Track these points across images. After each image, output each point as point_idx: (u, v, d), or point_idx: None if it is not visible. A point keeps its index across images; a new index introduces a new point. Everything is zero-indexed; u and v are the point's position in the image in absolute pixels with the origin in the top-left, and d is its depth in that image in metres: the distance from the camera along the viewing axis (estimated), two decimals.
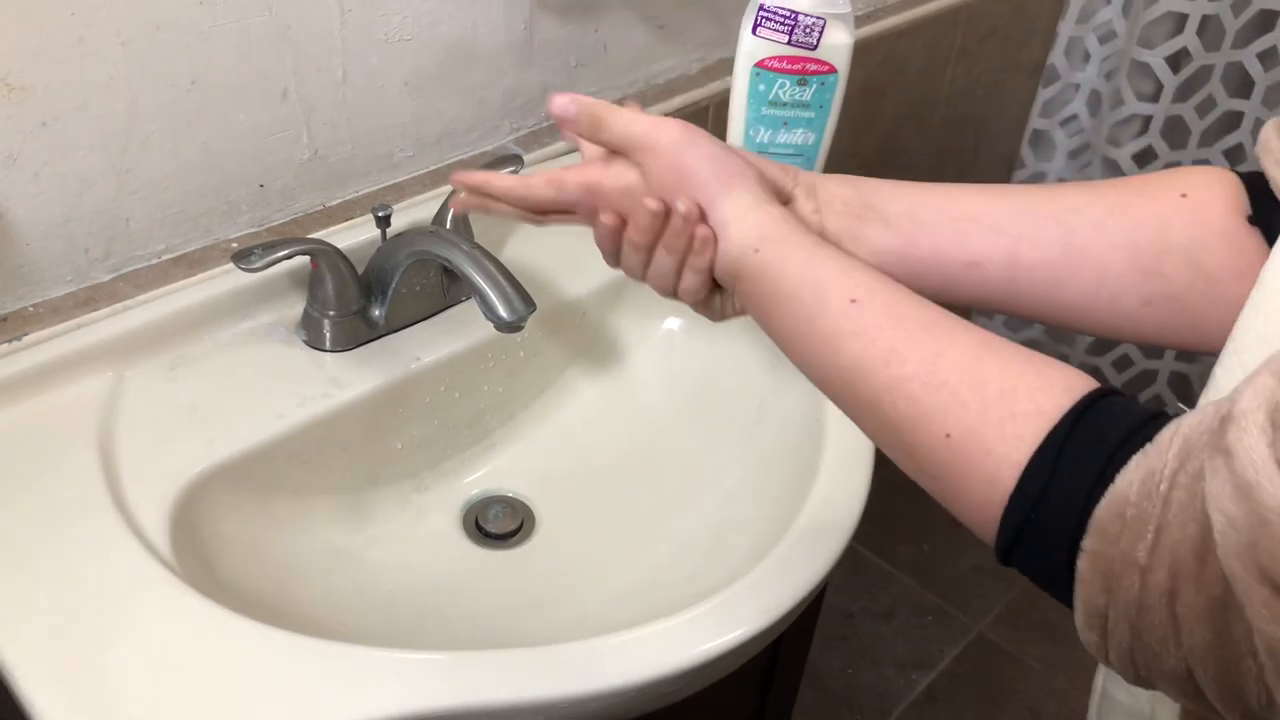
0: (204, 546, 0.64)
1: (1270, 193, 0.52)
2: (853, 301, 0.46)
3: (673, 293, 0.54)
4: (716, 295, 0.54)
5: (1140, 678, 0.37)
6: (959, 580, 1.66)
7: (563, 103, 0.54)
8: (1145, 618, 0.35)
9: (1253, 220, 0.53)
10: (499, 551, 0.76)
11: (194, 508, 0.64)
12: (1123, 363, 1.67)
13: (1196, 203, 0.53)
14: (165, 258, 0.76)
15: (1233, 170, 0.55)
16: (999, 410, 0.40)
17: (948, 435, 0.41)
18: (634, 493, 0.80)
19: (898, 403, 0.43)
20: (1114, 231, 0.53)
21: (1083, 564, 0.36)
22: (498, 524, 0.77)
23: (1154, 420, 0.38)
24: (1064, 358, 1.69)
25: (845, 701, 1.52)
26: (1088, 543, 0.36)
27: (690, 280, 0.52)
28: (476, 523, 0.78)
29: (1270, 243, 0.52)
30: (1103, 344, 1.66)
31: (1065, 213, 0.54)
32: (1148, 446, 0.36)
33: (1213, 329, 0.53)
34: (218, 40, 0.71)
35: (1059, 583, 0.38)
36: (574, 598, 0.73)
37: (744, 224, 0.50)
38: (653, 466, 0.81)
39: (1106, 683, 0.58)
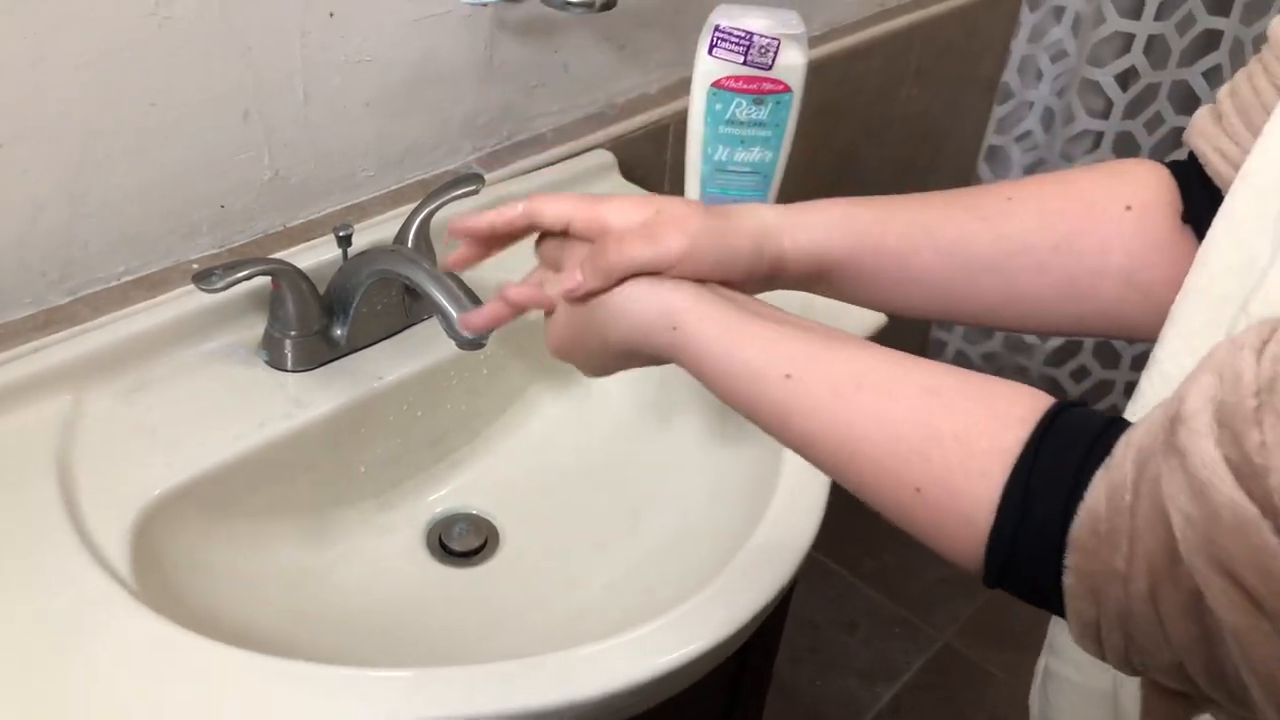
0: (165, 568, 0.64)
1: (1198, 183, 0.54)
2: (788, 377, 0.46)
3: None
4: None
5: (1137, 671, 0.39)
6: (923, 591, 1.68)
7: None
8: (1134, 623, 0.36)
9: (1184, 218, 0.54)
10: (463, 569, 0.77)
11: (154, 530, 0.64)
12: (1080, 373, 1.70)
13: (1140, 214, 0.55)
14: (125, 279, 0.76)
15: (1164, 163, 0.57)
16: (959, 454, 0.41)
17: (917, 490, 0.42)
18: (597, 507, 0.80)
19: (859, 467, 0.44)
20: (1056, 270, 0.55)
21: (1069, 580, 0.38)
22: (462, 541, 0.78)
23: (1111, 427, 0.39)
24: (1022, 369, 1.72)
25: (812, 713, 1.53)
26: (1070, 560, 0.37)
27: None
28: (440, 540, 0.78)
29: (1200, 237, 0.54)
30: (1060, 355, 1.69)
31: (1010, 256, 0.55)
32: (1107, 461, 0.37)
33: (1144, 328, 0.55)
34: (178, 62, 0.71)
35: (1051, 600, 0.39)
36: (538, 612, 0.73)
37: (648, 300, 0.51)
38: (615, 481, 0.82)
39: (1054, 664, 0.60)
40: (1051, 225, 0.56)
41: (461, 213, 0.58)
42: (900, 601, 1.68)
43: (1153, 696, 0.48)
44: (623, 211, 0.54)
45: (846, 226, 0.56)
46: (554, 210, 0.55)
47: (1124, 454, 0.36)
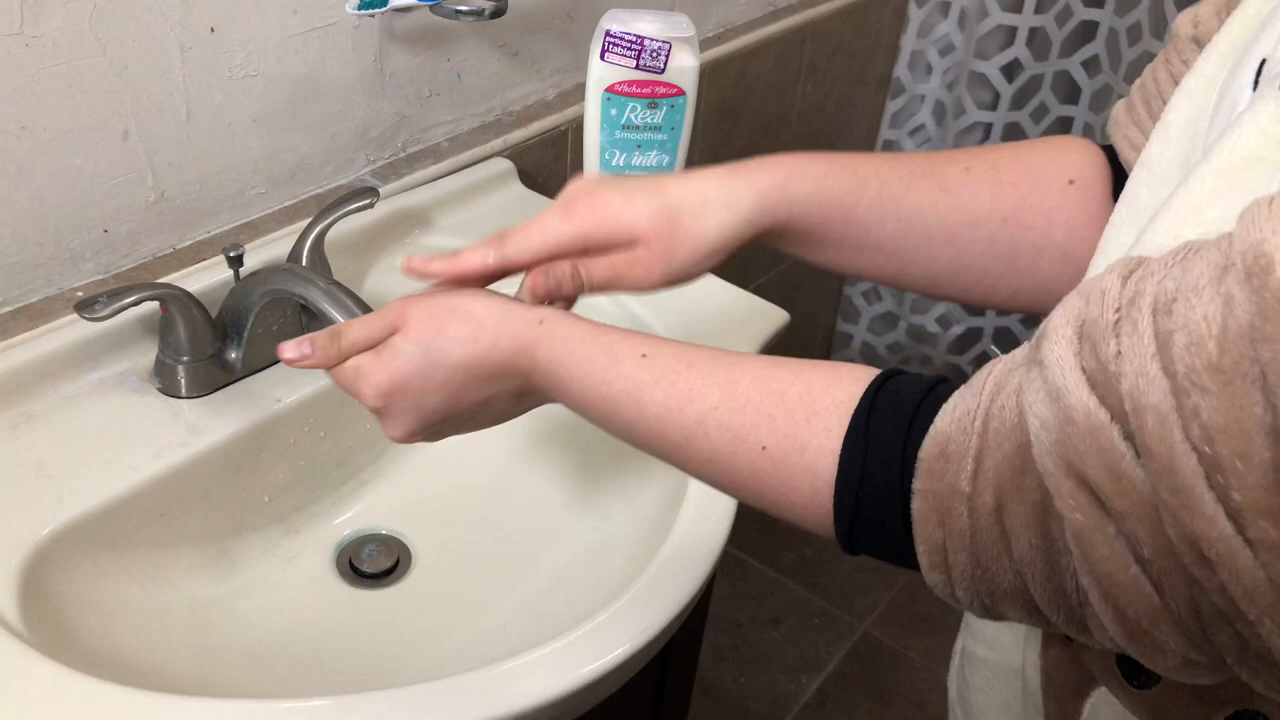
0: (58, 610, 0.61)
1: (1120, 165, 0.56)
2: (643, 355, 0.48)
3: None
4: None
5: (986, 607, 0.40)
6: (841, 581, 1.70)
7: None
8: (979, 540, 0.38)
9: (1115, 195, 0.57)
10: (375, 591, 0.75)
11: (45, 571, 0.61)
12: (983, 360, 1.74)
13: (1081, 189, 0.58)
14: (3, 311, 0.73)
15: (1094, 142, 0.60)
16: (802, 411, 0.43)
17: (764, 448, 0.44)
18: (509, 521, 0.80)
19: (710, 433, 0.45)
20: (1003, 242, 0.58)
21: (916, 504, 0.39)
22: (372, 563, 0.76)
23: (942, 383, 0.41)
24: (926, 359, 1.75)
25: (739, 709, 1.54)
26: (917, 484, 0.39)
27: None
28: (350, 563, 0.76)
29: None
30: (962, 343, 1.73)
31: (965, 228, 0.58)
32: (963, 388, 0.39)
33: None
34: (48, 83, 0.68)
35: (902, 545, 0.40)
36: (455, 631, 0.72)
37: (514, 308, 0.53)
38: (527, 493, 0.81)
39: (970, 644, 0.61)
40: (1004, 197, 0.58)
41: (417, 255, 0.58)
42: (819, 593, 1.70)
43: (1052, 669, 0.50)
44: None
45: (819, 198, 0.57)
46: (527, 248, 0.56)
47: (982, 382, 0.38)
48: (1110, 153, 0.59)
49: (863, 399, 0.42)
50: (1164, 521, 0.32)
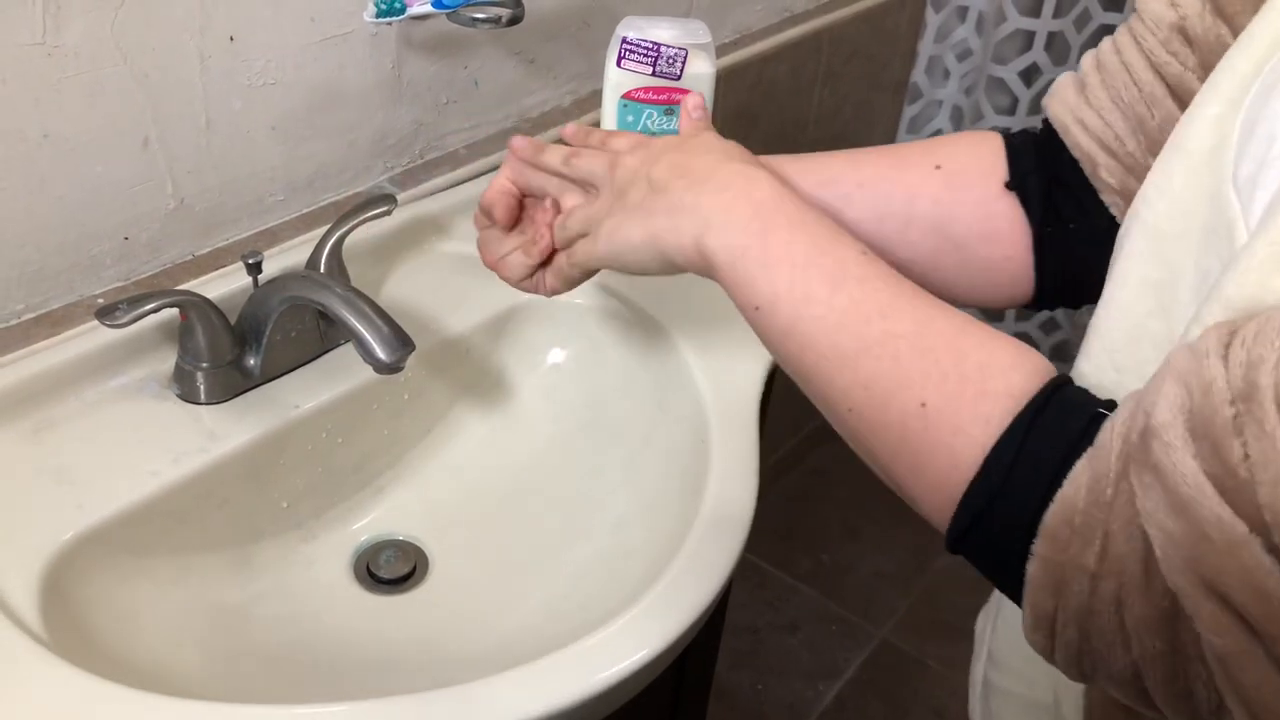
0: (78, 615, 0.62)
1: (1032, 150, 0.56)
2: (864, 252, 0.47)
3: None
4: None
5: (1085, 676, 0.38)
6: (860, 587, 1.70)
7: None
8: (1094, 623, 0.35)
9: (1009, 185, 0.56)
10: (393, 596, 0.75)
11: (65, 575, 0.62)
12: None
13: (949, 173, 0.57)
14: (25, 317, 0.73)
15: (1002, 133, 0.58)
16: (973, 387, 0.40)
17: (923, 404, 0.41)
18: (526, 526, 0.80)
19: (884, 359, 0.43)
20: (860, 204, 0.57)
21: (1033, 568, 0.36)
22: (390, 569, 0.76)
23: (1110, 409, 0.38)
24: None
25: (756, 717, 1.54)
26: (1038, 548, 0.36)
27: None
28: (368, 569, 0.76)
29: (1024, 202, 0.56)
30: None
31: (817, 186, 0.58)
32: (1091, 451, 0.36)
33: (962, 289, 0.58)
34: (69, 92, 0.69)
35: (1006, 577, 0.38)
36: (472, 637, 0.72)
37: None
38: (544, 499, 0.81)
39: (995, 676, 0.60)
40: (860, 165, 0.59)
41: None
42: (837, 600, 1.69)
43: (1095, 708, 0.48)
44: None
45: None
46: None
47: (1109, 445, 0.35)
48: (1022, 136, 0.57)
49: (1031, 402, 0.39)
50: None
